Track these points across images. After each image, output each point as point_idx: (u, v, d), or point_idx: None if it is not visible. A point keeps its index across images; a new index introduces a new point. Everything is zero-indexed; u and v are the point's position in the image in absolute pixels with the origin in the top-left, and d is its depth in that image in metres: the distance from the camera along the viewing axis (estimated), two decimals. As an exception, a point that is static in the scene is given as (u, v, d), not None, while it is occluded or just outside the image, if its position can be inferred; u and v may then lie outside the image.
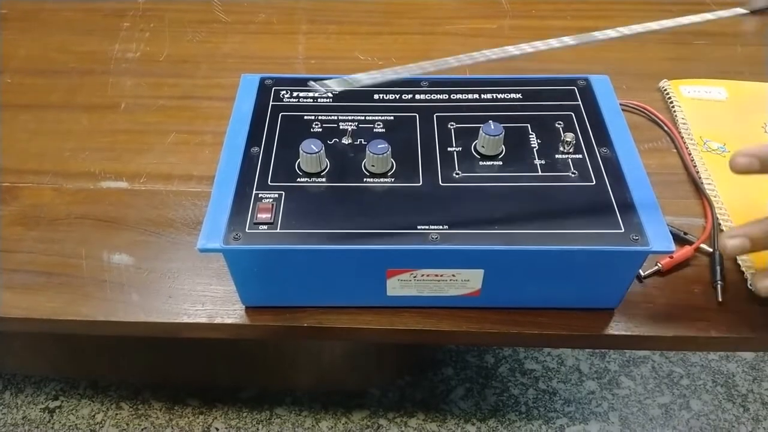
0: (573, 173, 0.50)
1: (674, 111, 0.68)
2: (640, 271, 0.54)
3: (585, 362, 1.25)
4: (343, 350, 1.07)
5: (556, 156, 0.51)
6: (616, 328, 0.51)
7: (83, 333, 0.52)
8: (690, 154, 0.63)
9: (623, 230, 0.46)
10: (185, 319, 0.51)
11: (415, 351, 1.24)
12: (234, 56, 0.77)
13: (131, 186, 0.61)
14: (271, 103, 0.56)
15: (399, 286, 0.49)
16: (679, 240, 0.56)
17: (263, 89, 0.58)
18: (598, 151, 0.52)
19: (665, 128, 0.67)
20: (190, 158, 0.64)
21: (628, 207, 0.47)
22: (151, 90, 0.72)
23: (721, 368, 1.24)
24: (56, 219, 0.58)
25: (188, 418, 1.16)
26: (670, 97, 0.70)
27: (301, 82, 0.58)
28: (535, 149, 0.52)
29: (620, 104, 0.63)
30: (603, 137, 0.53)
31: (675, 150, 0.65)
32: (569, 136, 0.51)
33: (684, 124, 0.66)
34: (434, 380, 1.22)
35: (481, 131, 0.51)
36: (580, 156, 0.51)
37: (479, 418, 1.17)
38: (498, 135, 0.50)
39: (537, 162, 0.51)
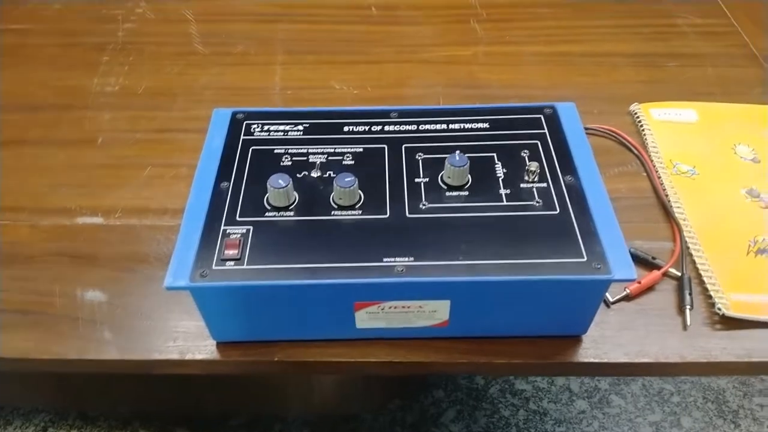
0: (537, 202, 0.50)
1: (644, 134, 0.69)
2: (608, 296, 0.54)
3: (575, 381, 1.25)
4: (332, 376, 1.07)
5: (521, 185, 0.52)
6: (585, 355, 0.51)
7: (56, 371, 0.52)
8: (660, 178, 0.64)
9: (586, 259, 0.46)
10: (156, 356, 0.51)
11: (405, 375, 1.24)
12: (211, 88, 0.78)
13: (106, 221, 0.62)
14: (242, 137, 0.57)
15: (368, 318, 0.49)
16: (648, 264, 0.56)
17: (235, 123, 0.58)
18: (563, 179, 0.52)
19: (635, 152, 0.67)
20: (165, 192, 0.64)
21: (591, 235, 0.48)
22: (129, 124, 0.73)
23: (712, 384, 1.23)
24: (31, 256, 0.59)
25: (177, 447, 1.15)
26: (640, 121, 0.70)
27: (273, 116, 0.59)
28: (500, 179, 0.53)
29: (591, 128, 0.64)
30: (568, 165, 0.53)
31: (645, 173, 0.65)
32: (534, 165, 0.52)
33: (654, 147, 0.67)
34: (425, 403, 1.22)
35: (446, 162, 0.51)
36: (545, 184, 0.52)
37: (470, 441, 1.16)
38: (463, 166, 0.51)
39: (502, 191, 0.51)
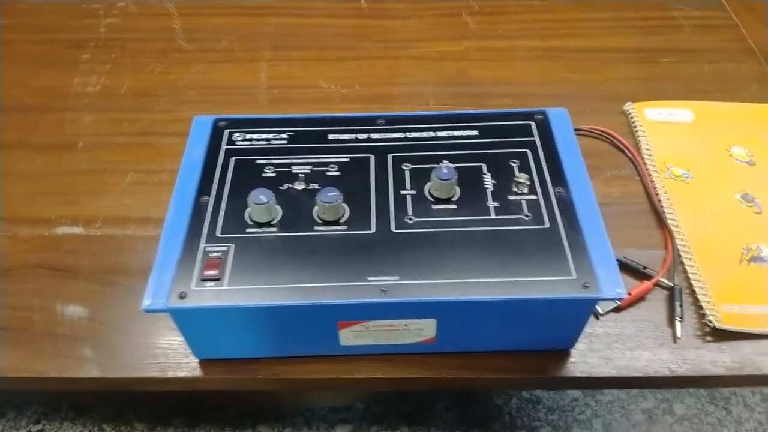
0: (527, 216, 0.49)
1: (638, 136, 0.67)
2: (598, 308, 0.53)
3: (568, 370, 1.25)
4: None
5: (510, 197, 0.50)
6: (573, 370, 0.50)
7: (37, 390, 0.51)
8: (653, 182, 0.63)
9: (575, 276, 0.45)
10: (137, 374, 0.50)
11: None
12: (195, 87, 0.75)
13: (87, 231, 0.60)
14: (223, 146, 0.55)
15: (352, 336, 0.49)
16: (638, 274, 0.55)
17: (216, 132, 0.57)
18: (553, 191, 0.51)
19: (628, 154, 0.66)
20: (147, 199, 0.63)
21: (580, 251, 0.46)
22: (111, 126, 0.71)
23: (704, 373, 1.24)
24: (10, 269, 0.57)
25: (171, 438, 1.16)
26: (633, 121, 0.69)
27: (256, 123, 0.58)
28: (489, 190, 0.51)
29: (584, 130, 0.62)
30: (558, 176, 0.52)
31: (638, 177, 0.64)
32: (523, 177, 0.51)
33: (647, 149, 0.65)
34: (418, 392, 1.22)
35: (433, 175, 0.50)
36: (534, 197, 0.50)
37: (463, 430, 1.17)
38: (450, 179, 0.49)
39: (491, 204, 0.50)
